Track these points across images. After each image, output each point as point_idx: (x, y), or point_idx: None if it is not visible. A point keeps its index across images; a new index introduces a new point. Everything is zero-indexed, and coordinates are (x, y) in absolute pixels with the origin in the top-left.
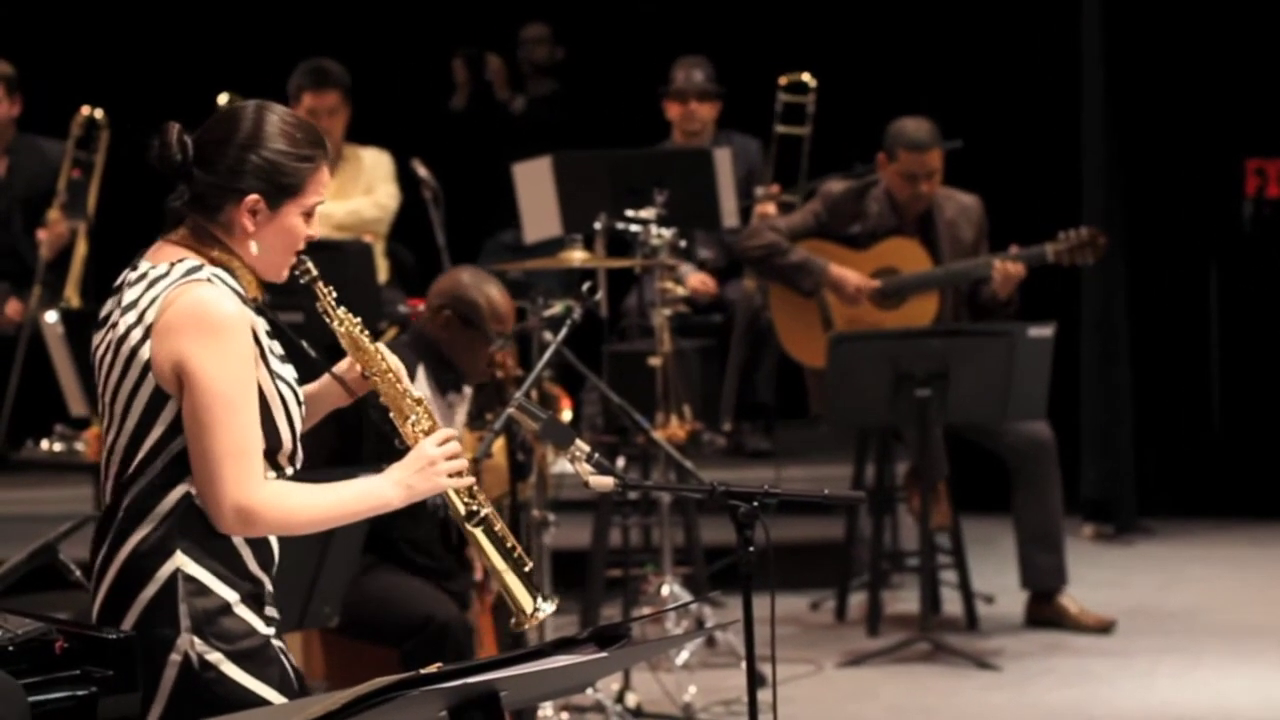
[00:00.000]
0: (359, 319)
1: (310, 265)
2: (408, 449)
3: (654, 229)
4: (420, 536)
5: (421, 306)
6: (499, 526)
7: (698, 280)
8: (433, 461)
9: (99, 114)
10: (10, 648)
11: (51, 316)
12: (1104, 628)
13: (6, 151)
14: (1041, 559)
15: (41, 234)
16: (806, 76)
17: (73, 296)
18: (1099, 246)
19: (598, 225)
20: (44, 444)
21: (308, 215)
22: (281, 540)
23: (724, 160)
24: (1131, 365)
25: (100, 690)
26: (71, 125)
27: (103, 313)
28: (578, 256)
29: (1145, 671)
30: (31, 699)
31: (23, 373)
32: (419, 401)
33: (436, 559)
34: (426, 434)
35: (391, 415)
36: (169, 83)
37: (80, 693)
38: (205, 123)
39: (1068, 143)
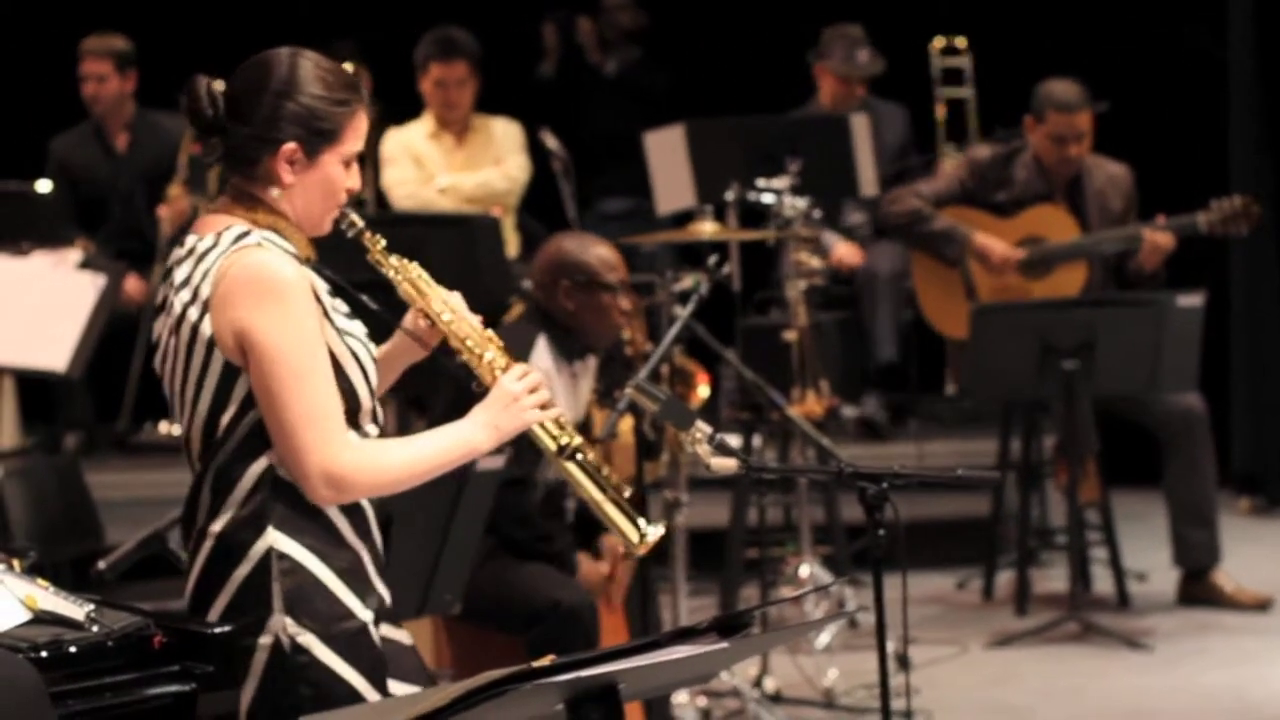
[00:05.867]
0: (414, 263)
1: (355, 217)
2: (485, 391)
3: (787, 199)
4: (518, 509)
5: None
6: (591, 455)
7: (844, 250)
8: (516, 397)
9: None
10: (109, 643)
11: None
12: (1261, 605)
13: (127, 128)
14: (1194, 535)
15: (163, 210)
16: (959, 40)
17: None
18: (1253, 216)
19: (729, 195)
20: (163, 426)
21: (347, 164)
22: (400, 525)
23: (861, 127)
24: None
25: (200, 686)
26: None
27: (158, 298)
28: (708, 228)
29: None
30: (129, 696)
31: (145, 353)
32: (491, 339)
33: (532, 527)
34: (504, 370)
35: (464, 358)
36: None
37: (180, 689)
38: (235, 72)
39: (1215, 107)
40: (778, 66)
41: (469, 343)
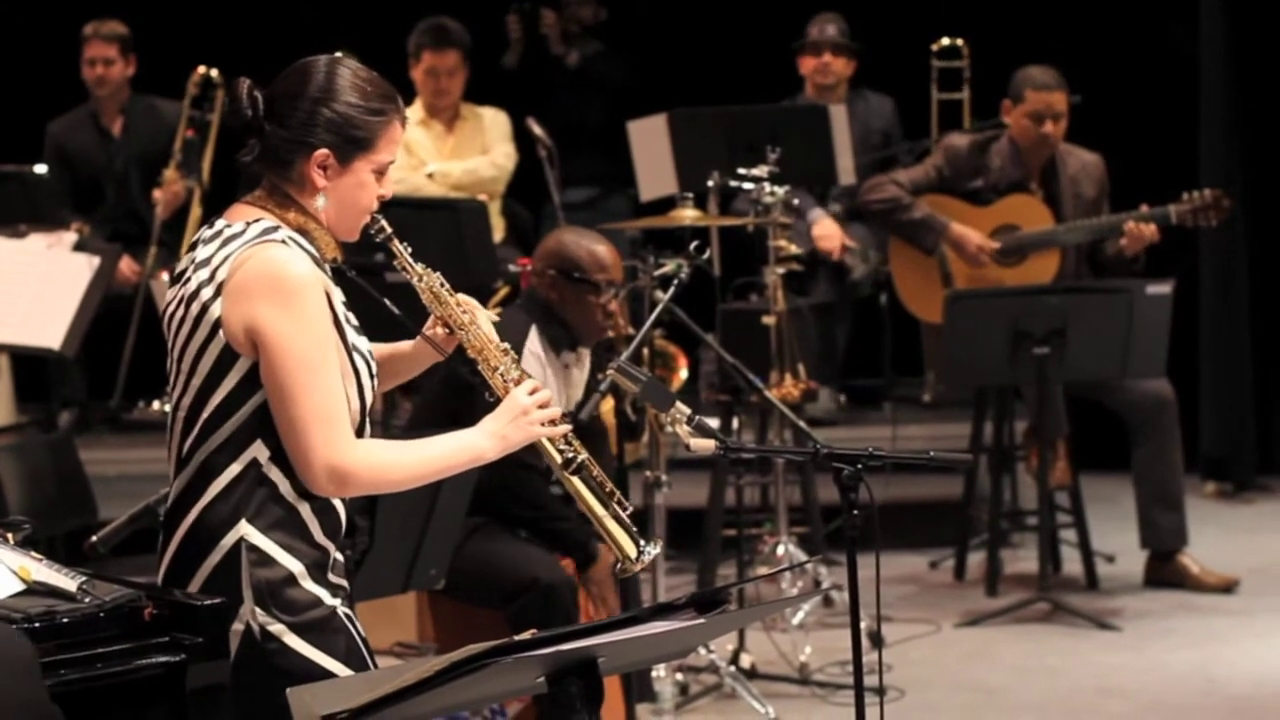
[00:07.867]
0: (438, 273)
1: (385, 223)
2: (498, 401)
3: (767, 186)
4: (526, 489)
5: (528, 267)
6: (596, 473)
7: (825, 234)
8: (525, 410)
9: (215, 73)
10: (100, 614)
11: (165, 278)
12: (1226, 587)
13: (122, 112)
14: (1162, 518)
15: (157, 194)
16: (959, 41)
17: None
18: (1224, 208)
19: (711, 183)
20: (155, 405)
21: (380, 173)
22: (386, 503)
23: (840, 117)
24: (1251, 321)
25: (189, 657)
26: (187, 85)
27: (178, 269)
28: (689, 215)
29: (1267, 631)
30: (120, 666)
31: (137, 333)
32: (506, 351)
33: (540, 507)
34: (516, 383)
35: (479, 367)
36: (285, 42)
37: (170, 659)
38: (277, 77)
39: (1186, 100)
40: (759, 62)
41: (484, 353)
